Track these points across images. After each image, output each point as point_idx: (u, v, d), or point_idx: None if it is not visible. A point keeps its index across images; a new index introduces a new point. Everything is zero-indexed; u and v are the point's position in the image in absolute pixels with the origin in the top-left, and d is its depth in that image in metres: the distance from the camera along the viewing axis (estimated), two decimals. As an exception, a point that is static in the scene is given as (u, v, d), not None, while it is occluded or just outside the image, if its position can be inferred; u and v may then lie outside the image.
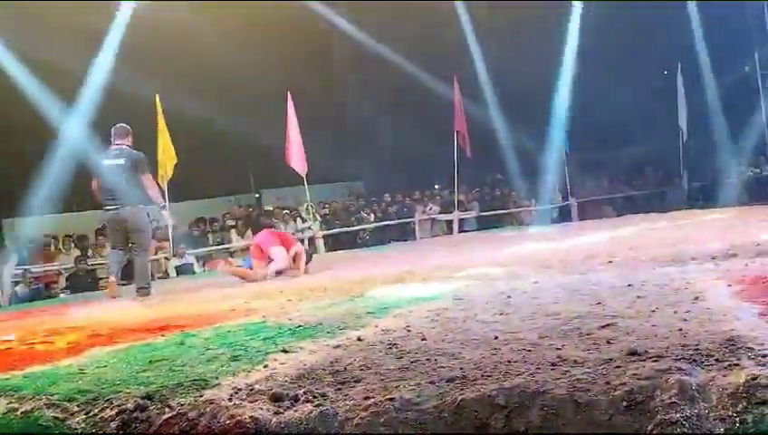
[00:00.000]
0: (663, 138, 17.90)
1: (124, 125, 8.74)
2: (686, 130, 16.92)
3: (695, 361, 2.79)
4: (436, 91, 16.85)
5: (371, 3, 15.39)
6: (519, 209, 17.37)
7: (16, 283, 12.35)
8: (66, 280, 12.85)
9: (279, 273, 9.17)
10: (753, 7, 15.74)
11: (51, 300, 11.37)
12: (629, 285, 4.73)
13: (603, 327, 3.52)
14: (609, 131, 17.98)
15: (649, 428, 2.47)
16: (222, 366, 3.53)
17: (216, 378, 3.27)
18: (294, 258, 9.42)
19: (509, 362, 3.09)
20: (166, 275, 13.03)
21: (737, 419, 2.38)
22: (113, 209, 8.37)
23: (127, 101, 13.73)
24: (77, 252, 13.29)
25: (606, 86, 17.24)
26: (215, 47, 14.71)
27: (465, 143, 15.89)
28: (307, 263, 9.61)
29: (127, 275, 10.06)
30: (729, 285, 4.34)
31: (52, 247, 14.02)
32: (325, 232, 15.08)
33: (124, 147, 8.53)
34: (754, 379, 2.48)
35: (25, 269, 12.50)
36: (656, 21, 16.55)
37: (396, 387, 2.91)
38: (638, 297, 4.25)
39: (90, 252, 13.46)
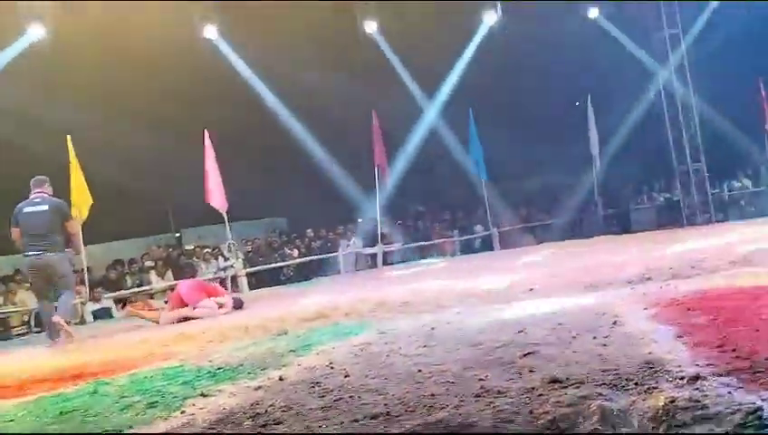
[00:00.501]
0: (576, 166, 18.39)
1: (42, 176, 8.77)
2: (598, 157, 17.43)
3: (615, 386, 2.82)
4: (356, 124, 16.89)
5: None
6: (442, 240, 17.51)
7: None
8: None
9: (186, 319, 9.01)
10: (657, 38, 16.42)
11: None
12: (551, 313, 4.78)
13: (525, 356, 3.53)
14: (523, 160, 18.38)
15: (574, 456, 2.47)
16: (137, 414, 3.39)
17: (131, 427, 3.14)
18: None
19: (432, 395, 3.06)
20: (82, 321, 12.52)
21: (658, 442, 2.40)
22: (36, 255, 8.36)
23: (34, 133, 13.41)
24: (-12, 300, 12.69)
25: (517, 114, 17.68)
26: (125, 80, 14.43)
27: (386, 176, 16.00)
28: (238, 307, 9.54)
29: (39, 323, 9.69)
30: (645, 309, 4.43)
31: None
32: (248, 270, 14.83)
33: (45, 195, 8.59)
34: (672, 401, 2.52)
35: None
36: (564, 48, 17.02)
37: (319, 427, 2.84)
38: (559, 324, 4.29)
39: (0, 299, 12.85)
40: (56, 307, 8.40)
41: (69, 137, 12.65)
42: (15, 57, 13.23)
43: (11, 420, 3.61)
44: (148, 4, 12.90)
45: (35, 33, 13.06)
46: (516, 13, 15.87)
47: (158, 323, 9.08)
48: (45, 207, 8.45)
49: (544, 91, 17.47)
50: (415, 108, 17.83)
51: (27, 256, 8.43)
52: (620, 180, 18.40)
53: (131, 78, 14.30)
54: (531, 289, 6.51)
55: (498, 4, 15.74)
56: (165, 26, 13.55)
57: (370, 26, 15.67)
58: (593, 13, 16.54)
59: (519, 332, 4.21)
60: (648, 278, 6.02)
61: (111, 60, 13.87)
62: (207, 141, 13.77)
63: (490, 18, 16.08)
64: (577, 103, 18.40)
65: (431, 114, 17.92)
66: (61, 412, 3.63)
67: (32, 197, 8.58)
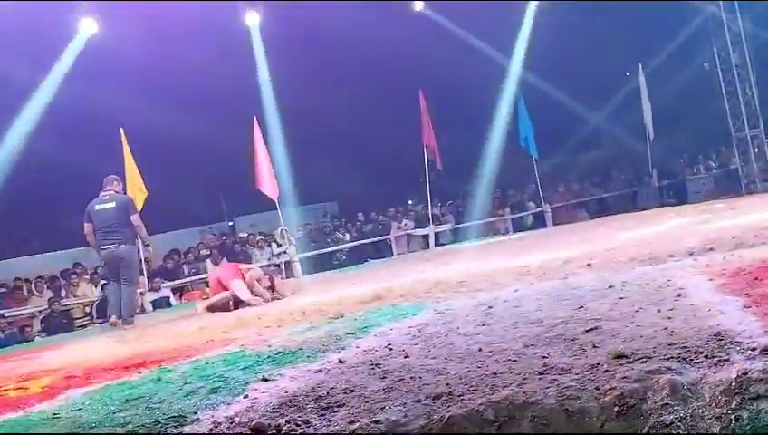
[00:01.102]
0: (630, 138, 18.05)
1: (111, 175, 9.60)
2: (651, 128, 17.02)
3: (683, 359, 2.74)
4: (404, 106, 16.82)
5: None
6: (493, 219, 17.35)
7: (-11, 328, 12.06)
8: (41, 322, 12.55)
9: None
10: (710, 5, 15.92)
11: (26, 343, 11.08)
12: (610, 287, 4.70)
13: (588, 331, 3.47)
14: (574, 135, 18.10)
15: (644, 431, 2.40)
16: (201, 400, 3.42)
17: (195, 413, 3.17)
18: (255, 284, 9.31)
19: (495, 374, 3.02)
20: (142, 311, 12.75)
21: (732, 416, 2.32)
22: (109, 248, 9.11)
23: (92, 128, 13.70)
24: (50, 293, 13.00)
25: (569, 90, 17.40)
26: (182, 74, 14.60)
27: (435, 155, 15.87)
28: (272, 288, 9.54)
29: (102, 312, 10.26)
30: (710, 280, 4.31)
31: (25, 291, 13.71)
32: (301, 255, 14.91)
33: (113, 192, 9.35)
34: (746, 374, 2.43)
35: (-2, 314, 12.22)
36: (614, 22, 16.68)
37: (381, 409, 2.83)
38: (620, 298, 4.21)
39: (63, 292, 13.17)
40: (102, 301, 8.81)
41: (122, 130, 12.86)
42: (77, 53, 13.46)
43: (79, 409, 3.68)
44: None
45: (89, 28, 13.16)
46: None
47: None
48: (113, 204, 9.18)
49: (596, 61, 17.16)
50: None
51: (103, 249, 9.14)
52: (676, 150, 17.96)
53: (181, 68, 14.45)
54: (588, 264, 6.39)
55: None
56: (209, 17, 13.65)
57: (419, 5, 15.50)
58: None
59: (579, 307, 4.14)
60: (711, 249, 5.86)
61: (161, 50, 14.03)
62: (257, 129, 13.85)
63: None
64: (627, 74, 18.02)
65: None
66: (126, 400, 3.70)
67: (101, 194, 9.31)
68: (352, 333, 4.69)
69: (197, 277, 14.22)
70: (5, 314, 12.36)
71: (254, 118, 13.95)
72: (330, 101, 17.03)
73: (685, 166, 18.15)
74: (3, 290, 13.65)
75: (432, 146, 15.76)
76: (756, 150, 15.80)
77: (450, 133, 16.59)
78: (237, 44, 14.97)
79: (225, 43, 14.47)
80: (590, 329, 3.50)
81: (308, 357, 4.10)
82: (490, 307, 4.77)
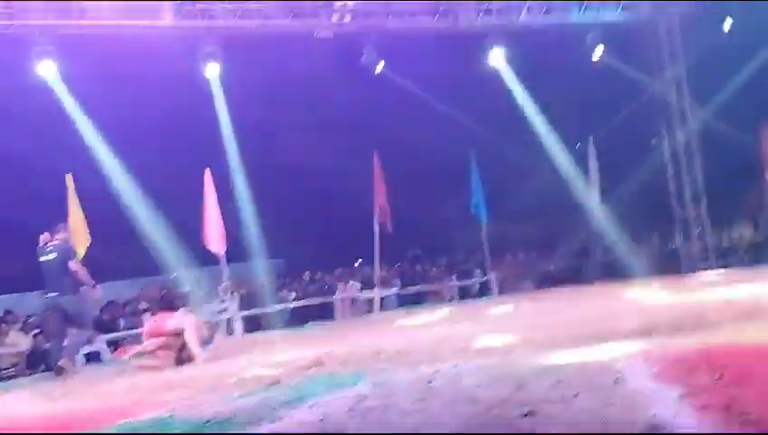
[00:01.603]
0: (576, 209, 18.32)
1: (60, 223, 10.07)
2: (599, 202, 17.31)
3: (619, 451, 2.71)
4: (358, 165, 16.88)
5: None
6: (440, 286, 17.36)
7: None
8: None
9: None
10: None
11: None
12: (550, 367, 4.66)
13: (526, 416, 3.41)
14: (521, 203, 18.32)
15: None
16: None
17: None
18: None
19: (430, 457, 2.94)
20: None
21: None
22: (52, 297, 9.36)
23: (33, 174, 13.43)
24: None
25: (516, 157, 17.66)
26: (137, 120, 14.51)
27: (387, 218, 15.86)
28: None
29: (33, 364, 10.82)
30: (648, 366, 4.31)
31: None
32: (244, 313, 14.65)
33: (56, 242, 9.60)
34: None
35: None
36: (564, 90, 17.07)
37: (310, 491, 2.71)
38: (559, 381, 4.16)
39: (-9, 340, 12.67)
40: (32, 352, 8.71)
41: (70, 176, 12.65)
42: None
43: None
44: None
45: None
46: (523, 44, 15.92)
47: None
48: (54, 254, 9.42)
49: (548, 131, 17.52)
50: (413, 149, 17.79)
51: (47, 298, 9.42)
52: (619, 225, 18.29)
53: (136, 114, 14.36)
54: (528, 341, 6.37)
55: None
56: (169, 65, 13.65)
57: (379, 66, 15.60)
58: (598, 52, 16.43)
59: (518, 388, 4.09)
60: (650, 332, 5.89)
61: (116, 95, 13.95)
62: (208, 181, 13.75)
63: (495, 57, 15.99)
64: (577, 145, 18.40)
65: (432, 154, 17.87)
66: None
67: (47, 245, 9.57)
68: (288, 402, 4.56)
69: (134, 331, 13.83)
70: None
71: (207, 170, 13.85)
72: (283, 156, 17.05)
73: (628, 242, 18.47)
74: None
75: (384, 207, 15.77)
76: (698, 230, 16.20)
77: (402, 195, 16.66)
78: (196, 93, 14.89)
79: (184, 91, 14.39)
80: (529, 412, 3.44)
81: (240, 427, 3.96)
82: (430, 382, 4.69)
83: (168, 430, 4.06)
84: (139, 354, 8.97)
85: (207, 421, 4.22)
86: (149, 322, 9.55)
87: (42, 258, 9.50)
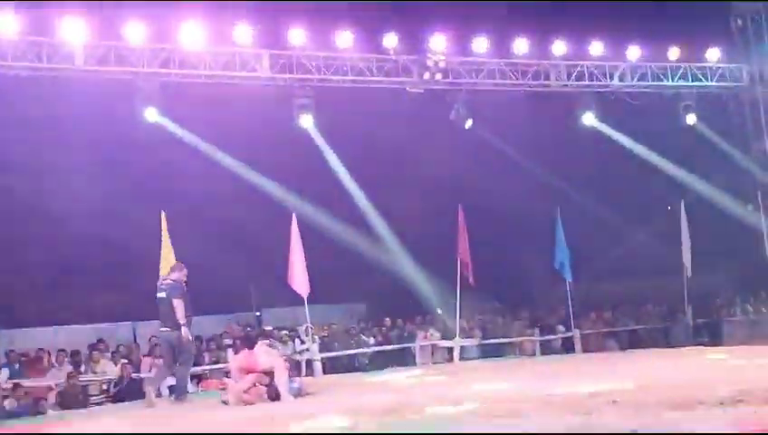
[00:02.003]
0: (665, 273, 17.87)
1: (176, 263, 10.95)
2: (689, 265, 16.84)
3: None
4: (437, 219, 17.00)
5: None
6: (521, 339, 17.09)
7: (5, 397, 12.02)
8: (57, 396, 12.48)
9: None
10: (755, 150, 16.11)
11: (39, 416, 11.01)
12: (635, 432, 4.53)
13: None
14: (609, 262, 18.00)
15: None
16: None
17: None
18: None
19: None
20: (159, 395, 12.66)
21: None
22: (163, 333, 10.33)
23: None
24: (69, 367, 12.98)
25: (608, 217, 17.41)
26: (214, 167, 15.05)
27: (469, 271, 15.83)
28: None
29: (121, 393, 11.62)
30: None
31: (45, 362, 13.74)
32: (323, 354, 14.79)
33: (169, 281, 10.38)
34: None
35: (16, 383, 12.20)
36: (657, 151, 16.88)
37: None
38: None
39: (83, 368, 13.15)
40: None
41: (163, 213, 13.17)
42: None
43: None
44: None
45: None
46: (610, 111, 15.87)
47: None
48: (164, 293, 10.20)
49: (639, 191, 17.27)
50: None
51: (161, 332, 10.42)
52: (712, 290, 17.70)
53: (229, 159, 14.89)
54: (614, 401, 6.21)
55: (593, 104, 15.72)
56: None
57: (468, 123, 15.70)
58: (691, 119, 16.24)
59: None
60: (741, 400, 5.66)
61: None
62: (294, 224, 14.06)
63: (588, 119, 15.98)
64: (669, 208, 18.02)
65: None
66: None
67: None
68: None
69: (217, 366, 14.14)
70: (23, 384, 12.34)
71: (293, 214, 14.19)
72: (369, 204, 17.30)
73: (720, 307, 17.84)
74: (23, 359, 13.68)
75: (466, 261, 15.76)
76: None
77: (486, 249, 16.63)
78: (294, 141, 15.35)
79: (275, 138, 14.87)
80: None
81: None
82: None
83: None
84: (234, 390, 9.18)
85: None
86: (239, 358, 9.69)
87: (157, 295, 10.30)
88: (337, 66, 14.47)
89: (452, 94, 15.49)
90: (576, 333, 16.65)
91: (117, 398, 12.28)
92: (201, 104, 13.83)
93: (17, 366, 13.17)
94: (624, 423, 4.90)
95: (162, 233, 13.13)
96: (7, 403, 11.91)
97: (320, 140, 15.59)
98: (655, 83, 16.01)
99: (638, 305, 18.60)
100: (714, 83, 16.39)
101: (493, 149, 16.75)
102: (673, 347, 14.44)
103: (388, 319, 17.29)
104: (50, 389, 12.76)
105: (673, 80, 16.33)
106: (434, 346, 16.31)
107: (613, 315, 18.22)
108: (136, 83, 13.41)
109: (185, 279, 10.48)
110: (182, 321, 10.14)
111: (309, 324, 14.38)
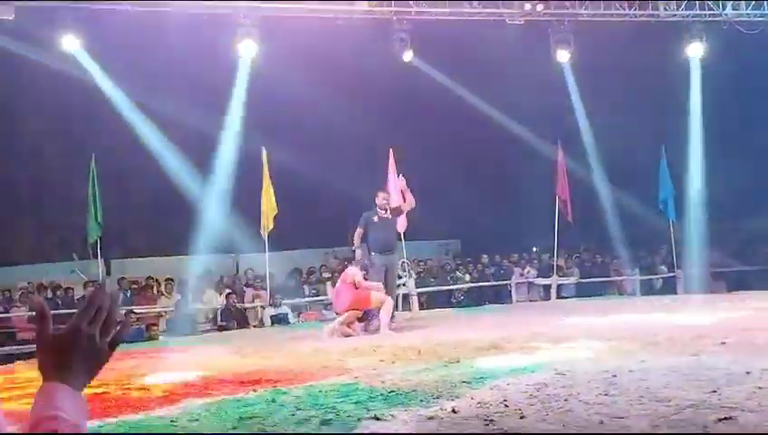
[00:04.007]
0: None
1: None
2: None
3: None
4: (540, 153, 16.67)
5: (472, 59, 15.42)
6: (621, 278, 16.74)
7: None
8: (166, 323, 13.14)
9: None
10: None
11: (150, 342, 11.61)
12: (748, 373, 4.38)
13: (721, 420, 3.25)
14: (718, 202, 17.28)
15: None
16: (312, 430, 3.45)
17: (307, 443, 3.20)
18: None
19: (617, 452, 2.88)
20: (261, 324, 13.15)
21: None
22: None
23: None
24: (178, 296, 13.59)
25: (714, 151, 16.63)
26: (321, 103, 15.08)
27: (567, 209, 15.52)
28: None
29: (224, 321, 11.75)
30: None
31: (154, 290, 14.42)
32: (420, 290, 14.92)
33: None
34: None
35: (128, 310, 12.86)
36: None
37: (493, 470, 2.75)
38: (759, 388, 3.92)
39: (190, 296, 13.73)
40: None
41: (264, 150, 13.42)
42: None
43: (196, 420, 3.79)
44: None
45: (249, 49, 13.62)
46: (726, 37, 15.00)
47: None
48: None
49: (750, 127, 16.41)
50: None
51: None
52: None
53: (332, 96, 14.91)
54: (722, 342, 6.01)
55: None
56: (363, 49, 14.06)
57: (563, 56, 15.20)
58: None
59: (712, 391, 3.89)
60: None
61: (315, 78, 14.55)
62: (392, 160, 14.05)
63: (695, 50, 15.17)
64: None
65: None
66: (241, 417, 3.78)
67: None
68: (467, 383, 4.61)
69: (317, 298, 14.50)
70: (136, 311, 13.01)
71: (390, 149, 14.16)
72: (470, 139, 17.11)
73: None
74: (135, 286, 14.40)
75: (565, 198, 15.44)
76: None
77: (585, 185, 16.25)
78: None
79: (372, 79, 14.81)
80: (725, 418, 3.27)
81: (421, 401, 4.06)
82: (614, 376, 4.57)
83: (352, 398, 4.23)
84: (342, 322, 9.40)
85: (391, 391, 4.35)
86: (349, 291, 9.80)
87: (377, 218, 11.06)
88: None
89: (554, 26, 14.95)
90: (679, 273, 16.16)
91: (222, 327, 12.79)
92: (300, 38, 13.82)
93: (128, 294, 13.91)
94: (734, 366, 4.73)
95: (263, 169, 13.44)
96: (120, 328, 12.60)
97: (425, 71, 15.35)
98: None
99: (746, 245, 17.83)
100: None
101: (594, 82, 16.15)
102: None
103: (485, 256, 17.21)
104: (160, 316, 13.45)
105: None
106: (530, 284, 16.20)
107: (720, 255, 17.54)
108: (235, 18, 13.49)
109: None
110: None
111: (405, 260, 14.47)
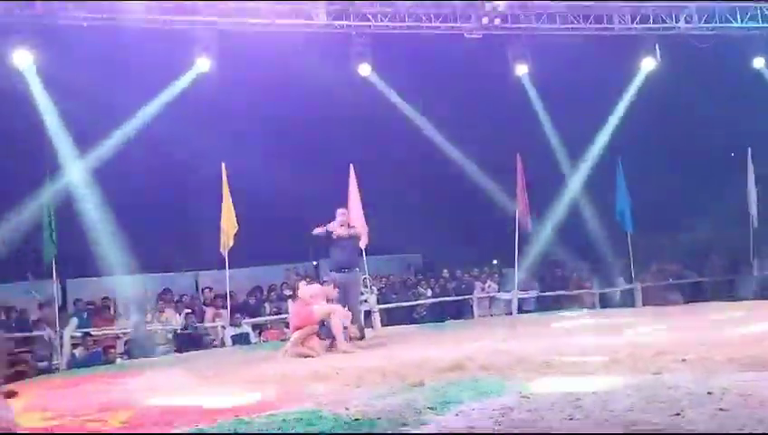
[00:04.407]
0: (731, 223, 17.41)
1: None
2: (756, 216, 16.35)
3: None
4: (499, 166, 16.78)
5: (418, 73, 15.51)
6: (580, 291, 16.91)
7: (75, 345, 12.43)
8: (124, 344, 12.87)
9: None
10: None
11: (108, 365, 11.36)
12: (709, 393, 4.42)
13: (685, 447, 3.26)
14: (673, 211, 17.61)
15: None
16: (276, 464, 3.38)
17: (271, 480, 3.13)
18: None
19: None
20: (222, 344, 12.97)
21: None
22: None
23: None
24: (136, 317, 13.33)
25: (670, 166, 16.97)
26: (280, 114, 15.04)
27: (527, 220, 15.67)
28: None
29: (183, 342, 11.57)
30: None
31: (112, 311, 14.14)
32: (382, 306, 14.87)
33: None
34: None
35: (85, 332, 12.59)
36: (720, 100, 16.31)
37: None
38: (720, 410, 3.96)
39: (149, 317, 13.49)
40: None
41: (224, 165, 13.30)
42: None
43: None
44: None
45: (202, 65, 13.56)
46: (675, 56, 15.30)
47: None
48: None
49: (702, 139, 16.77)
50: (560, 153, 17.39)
51: None
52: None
53: (286, 110, 14.85)
54: (683, 359, 6.08)
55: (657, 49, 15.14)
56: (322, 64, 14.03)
57: (521, 69, 15.35)
58: (759, 63, 15.57)
59: (675, 414, 3.92)
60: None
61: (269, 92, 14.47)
62: (352, 176, 14.04)
63: (648, 64, 15.45)
64: (732, 154, 17.43)
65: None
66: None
67: None
68: (432, 408, 4.59)
69: (278, 317, 14.36)
70: (92, 333, 12.73)
71: (351, 166, 14.15)
72: (428, 153, 17.14)
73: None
74: (90, 307, 14.09)
75: (524, 210, 15.57)
76: None
77: (545, 198, 16.39)
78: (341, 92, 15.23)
79: (330, 94, 14.78)
80: (689, 444, 3.29)
81: (386, 429, 4.01)
82: (578, 399, 4.57)
83: (316, 427, 4.17)
84: (294, 342, 9.32)
85: (356, 420, 4.30)
86: (297, 309, 9.74)
87: (336, 234, 11.03)
88: (393, 13, 14.18)
89: (511, 40, 15.11)
90: (637, 285, 16.39)
91: (181, 347, 12.56)
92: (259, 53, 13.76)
93: (85, 315, 13.59)
94: (695, 386, 4.77)
95: (223, 185, 13.32)
96: (77, 352, 12.31)
97: (382, 87, 15.36)
98: (721, 25, 15.28)
99: (701, 257, 18.17)
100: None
101: (552, 96, 16.34)
102: (738, 301, 14.06)
103: (446, 270, 17.25)
104: (117, 338, 13.17)
105: (742, 21, 15.59)
106: (491, 298, 16.27)
107: (676, 267, 17.84)
108: (193, 33, 13.36)
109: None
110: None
111: (366, 275, 14.42)
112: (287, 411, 4.79)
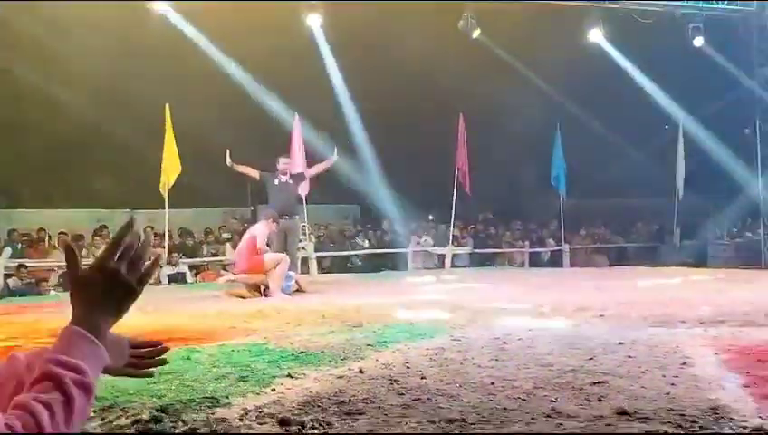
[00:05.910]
0: (658, 193, 18.25)
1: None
2: (682, 187, 17.19)
3: (680, 426, 2.97)
4: (440, 124, 17.10)
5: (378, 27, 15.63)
6: (512, 250, 17.57)
7: (8, 275, 12.41)
8: (58, 277, 12.88)
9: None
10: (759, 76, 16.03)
11: (42, 297, 11.39)
12: (620, 343, 4.90)
13: (595, 384, 3.70)
14: (605, 181, 18.27)
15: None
16: (230, 386, 3.69)
17: (227, 397, 3.44)
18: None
19: (505, 409, 3.26)
20: (158, 283, 13.10)
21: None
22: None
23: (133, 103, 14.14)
24: (71, 250, 13.30)
25: (606, 135, 17.57)
26: (224, 60, 14.96)
27: (466, 181, 16.10)
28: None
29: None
30: (716, 353, 4.52)
31: (46, 243, 14.09)
32: (319, 254, 15.21)
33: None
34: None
35: (20, 263, 12.57)
36: (660, 74, 16.90)
37: (398, 423, 3.07)
38: (629, 357, 4.43)
39: (84, 251, 13.49)
40: None
41: (168, 105, 13.27)
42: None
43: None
44: None
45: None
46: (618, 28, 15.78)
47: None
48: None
49: (638, 111, 17.38)
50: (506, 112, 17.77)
51: None
52: (701, 212, 18.02)
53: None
54: (601, 315, 6.61)
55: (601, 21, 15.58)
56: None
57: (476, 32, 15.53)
58: (698, 41, 16.19)
59: (589, 359, 4.37)
60: (721, 321, 6.05)
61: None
62: (297, 125, 14.19)
63: (595, 35, 15.89)
64: (666, 127, 18.15)
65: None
66: (160, 373, 3.95)
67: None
68: (371, 345, 4.94)
69: (215, 259, 14.55)
70: (27, 265, 12.71)
71: (296, 116, 14.30)
72: (373, 109, 17.30)
73: (708, 229, 18.24)
74: (25, 239, 14.00)
75: (464, 170, 15.99)
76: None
77: (484, 159, 16.80)
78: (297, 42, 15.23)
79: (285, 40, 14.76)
80: (598, 382, 3.73)
81: (330, 361, 4.36)
82: (504, 343, 5.01)
83: (264, 357, 4.47)
84: (231, 283, 9.58)
85: (301, 352, 4.63)
86: (247, 254, 9.91)
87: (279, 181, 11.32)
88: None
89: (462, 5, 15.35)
90: (566, 247, 17.12)
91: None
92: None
93: (19, 246, 13.53)
94: (609, 337, 5.26)
95: (167, 126, 13.30)
96: (11, 282, 12.32)
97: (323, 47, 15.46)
98: (663, 2, 15.80)
99: (628, 223, 19.04)
100: (723, 5, 16.19)
101: (498, 62, 16.68)
102: (659, 266, 14.90)
103: (385, 222, 17.62)
104: (51, 270, 13.15)
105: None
106: (426, 252, 16.76)
107: (603, 232, 18.67)
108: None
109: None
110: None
111: (305, 223, 14.69)
112: (235, 343, 5.09)
